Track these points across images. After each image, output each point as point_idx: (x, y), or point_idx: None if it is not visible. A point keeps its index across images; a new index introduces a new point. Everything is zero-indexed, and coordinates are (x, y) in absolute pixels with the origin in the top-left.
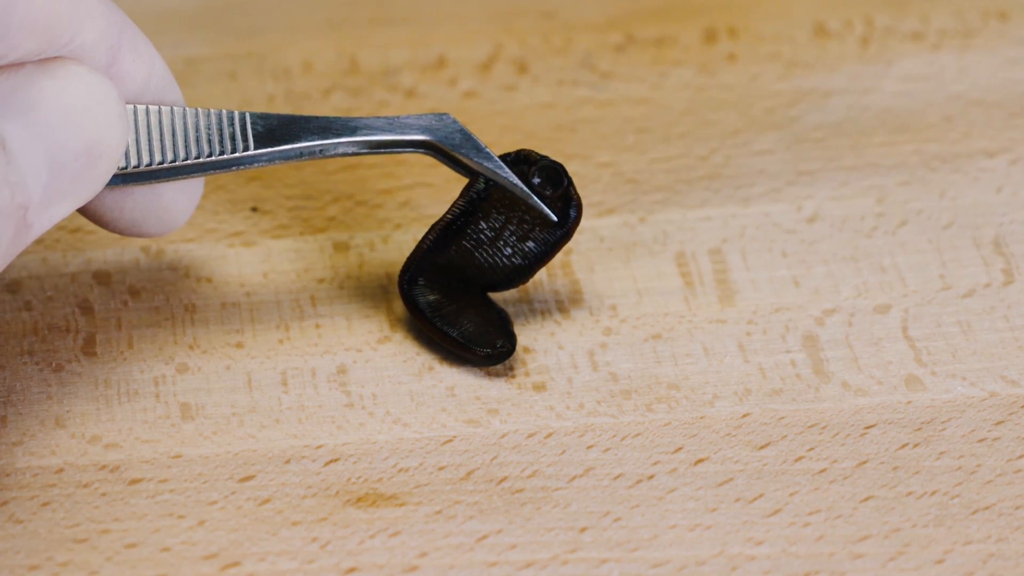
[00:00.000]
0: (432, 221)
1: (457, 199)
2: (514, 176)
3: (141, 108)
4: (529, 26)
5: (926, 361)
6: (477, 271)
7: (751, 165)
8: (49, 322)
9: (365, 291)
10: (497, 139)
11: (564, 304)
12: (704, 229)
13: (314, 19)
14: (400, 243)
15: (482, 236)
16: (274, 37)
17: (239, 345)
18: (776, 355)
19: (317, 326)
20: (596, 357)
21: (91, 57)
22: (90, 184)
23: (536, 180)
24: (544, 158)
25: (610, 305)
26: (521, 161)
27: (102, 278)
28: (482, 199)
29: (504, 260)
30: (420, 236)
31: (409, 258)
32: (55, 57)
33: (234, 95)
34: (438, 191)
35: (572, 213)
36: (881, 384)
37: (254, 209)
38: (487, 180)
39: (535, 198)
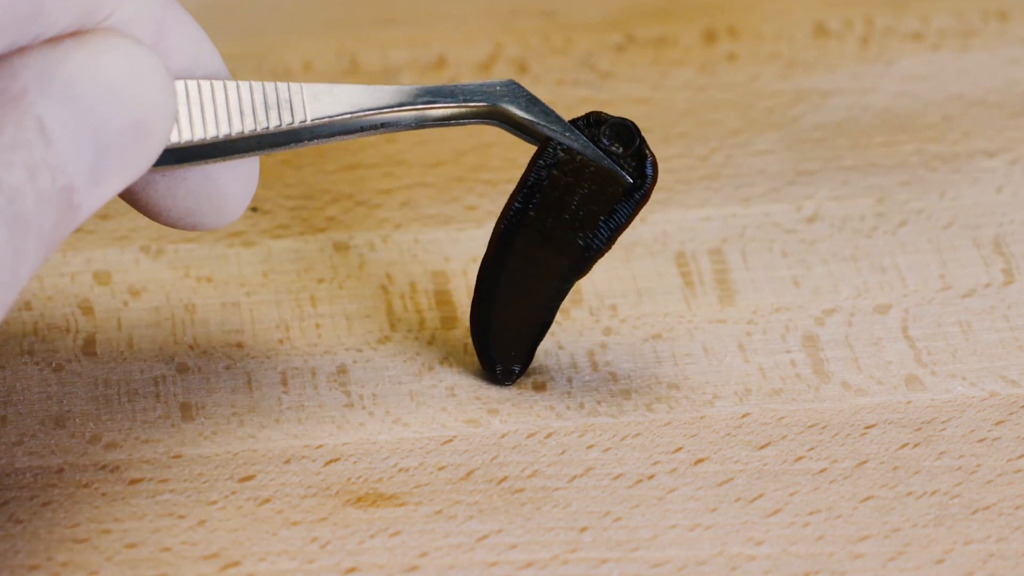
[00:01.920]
0: (432, 221)
1: (525, 172)
2: (585, 138)
3: (192, 83)
4: (529, 26)
5: (926, 361)
6: (557, 246)
7: (751, 165)
8: (49, 322)
9: (365, 291)
10: (497, 138)
11: (564, 304)
12: (704, 229)
13: (314, 19)
14: (400, 243)
15: (561, 211)
16: (274, 37)
17: (239, 345)
18: (776, 355)
19: (317, 326)
20: (596, 357)
21: (134, 32)
22: (139, 160)
23: (606, 140)
24: (613, 117)
25: (610, 305)
26: (592, 124)
27: (102, 278)
28: (551, 168)
29: (579, 233)
30: (420, 236)
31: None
32: (95, 29)
33: None
34: (438, 191)
35: (648, 171)
36: (881, 384)
37: (254, 209)
38: (554, 150)
39: (608, 160)
